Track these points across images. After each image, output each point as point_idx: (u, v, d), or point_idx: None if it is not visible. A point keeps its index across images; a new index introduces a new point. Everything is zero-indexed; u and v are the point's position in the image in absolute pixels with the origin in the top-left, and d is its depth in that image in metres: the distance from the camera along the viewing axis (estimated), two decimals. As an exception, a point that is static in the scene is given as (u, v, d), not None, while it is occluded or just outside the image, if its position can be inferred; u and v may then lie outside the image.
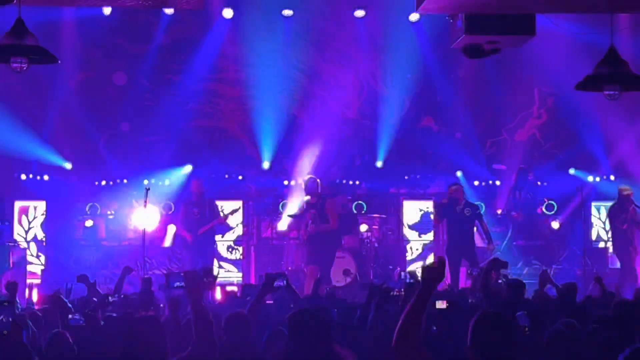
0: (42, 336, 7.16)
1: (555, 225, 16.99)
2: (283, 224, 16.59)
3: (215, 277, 9.93)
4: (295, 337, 5.10)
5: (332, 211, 14.68)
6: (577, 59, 14.41)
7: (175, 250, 16.05)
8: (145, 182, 16.88)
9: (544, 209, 17.47)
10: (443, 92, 17.69)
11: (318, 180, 14.84)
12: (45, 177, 17.32)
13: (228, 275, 16.94)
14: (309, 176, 15.18)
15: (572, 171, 17.99)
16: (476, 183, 17.95)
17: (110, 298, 7.86)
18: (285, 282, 7.65)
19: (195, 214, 14.91)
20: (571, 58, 15.48)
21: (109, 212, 17.09)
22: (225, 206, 17.73)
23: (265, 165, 17.89)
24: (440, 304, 7.40)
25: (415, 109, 18.21)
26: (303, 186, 15.01)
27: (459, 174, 17.82)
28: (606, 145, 17.57)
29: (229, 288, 10.41)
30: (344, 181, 18.07)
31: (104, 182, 17.62)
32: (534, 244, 16.89)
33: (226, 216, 15.34)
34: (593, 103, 15.88)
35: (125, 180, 17.50)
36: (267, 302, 8.68)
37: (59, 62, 8.18)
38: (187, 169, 17.51)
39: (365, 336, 7.08)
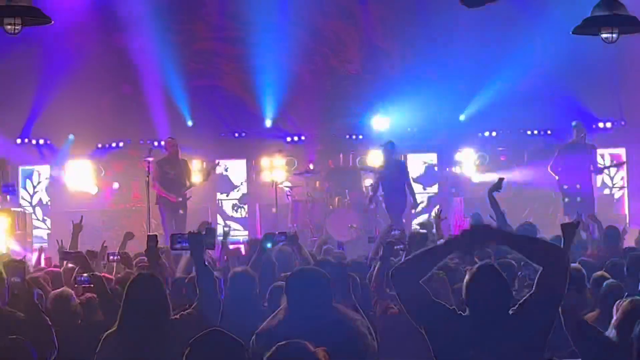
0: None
1: None
2: (288, 182, 16.58)
3: (222, 235, 9.87)
4: (294, 297, 5.08)
5: None
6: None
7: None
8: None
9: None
10: (446, 44, 17.49)
11: None
12: (44, 142, 17.36)
13: (233, 233, 16.93)
14: None
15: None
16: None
17: (111, 257, 7.89)
18: (284, 238, 7.74)
19: (171, 175, 14.15)
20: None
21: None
22: (229, 165, 17.77)
23: (268, 123, 17.83)
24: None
25: (417, 62, 18.02)
26: None
27: None
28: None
29: (232, 246, 10.39)
30: (347, 136, 18.02)
31: (107, 145, 17.61)
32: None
33: (209, 173, 14.87)
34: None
35: (121, 144, 17.54)
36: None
37: (53, 22, 8.06)
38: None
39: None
